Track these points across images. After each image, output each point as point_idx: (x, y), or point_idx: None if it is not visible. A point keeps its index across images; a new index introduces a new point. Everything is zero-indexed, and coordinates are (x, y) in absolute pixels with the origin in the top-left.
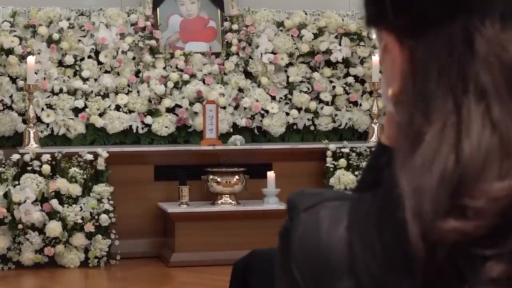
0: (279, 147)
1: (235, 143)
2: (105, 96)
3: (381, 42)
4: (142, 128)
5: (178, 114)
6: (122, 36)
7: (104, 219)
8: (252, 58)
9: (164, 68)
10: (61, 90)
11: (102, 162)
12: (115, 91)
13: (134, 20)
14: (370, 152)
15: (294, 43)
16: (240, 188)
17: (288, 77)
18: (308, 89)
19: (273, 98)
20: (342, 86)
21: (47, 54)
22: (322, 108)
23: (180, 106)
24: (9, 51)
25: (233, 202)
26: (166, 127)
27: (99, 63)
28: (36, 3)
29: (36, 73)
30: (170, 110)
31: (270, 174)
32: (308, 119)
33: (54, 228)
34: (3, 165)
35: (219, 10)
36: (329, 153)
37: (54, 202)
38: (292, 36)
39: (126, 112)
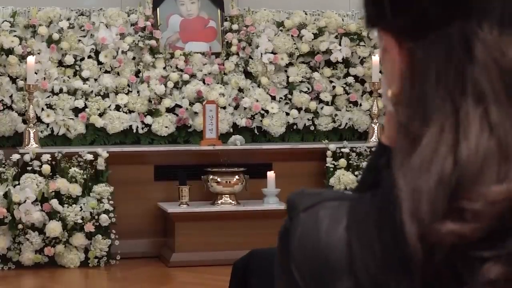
0: (279, 147)
1: (235, 143)
2: (105, 96)
3: (381, 43)
4: (142, 128)
5: (178, 114)
6: (122, 36)
7: (104, 219)
8: (252, 58)
9: (164, 68)
10: (61, 90)
11: (102, 162)
12: (115, 91)
13: (134, 20)
14: (370, 152)
15: (294, 43)
16: (240, 188)
17: (288, 77)
18: (308, 89)
19: (273, 98)
20: (342, 86)
21: (47, 54)
22: (322, 108)
23: (180, 106)
24: (9, 51)
25: (233, 202)
26: (166, 127)
27: (99, 63)
28: (36, 3)
29: (36, 73)
30: (170, 110)
31: (270, 174)
32: (308, 119)
33: (54, 228)
34: (3, 165)
35: (219, 10)
36: (329, 153)
37: (54, 202)
38: (292, 36)
39: (126, 112)
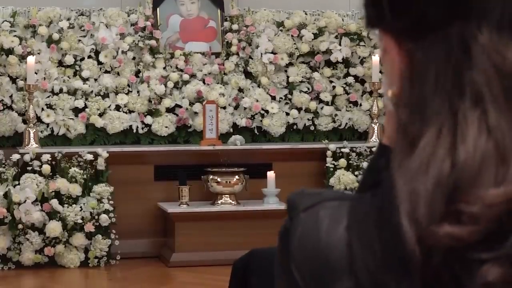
0: (279, 147)
1: (235, 143)
2: (105, 96)
3: (381, 43)
4: (142, 128)
5: (178, 114)
6: (122, 36)
7: (104, 219)
8: (252, 58)
9: (164, 68)
10: (61, 90)
11: (102, 162)
12: (115, 91)
13: (134, 20)
14: (370, 152)
15: (294, 43)
16: (240, 188)
17: (288, 77)
18: (308, 89)
19: (273, 98)
20: (342, 86)
21: (47, 54)
22: (322, 108)
23: (180, 106)
24: (9, 51)
25: (233, 202)
26: (166, 127)
27: (99, 63)
28: (36, 3)
29: (36, 73)
30: (170, 110)
31: (270, 174)
32: (308, 119)
33: (54, 228)
34: (3, 165)
35: (219, 10)
36: (329, 153)
37: (54, 202)
38: (292, 36)
39: (126, 112)
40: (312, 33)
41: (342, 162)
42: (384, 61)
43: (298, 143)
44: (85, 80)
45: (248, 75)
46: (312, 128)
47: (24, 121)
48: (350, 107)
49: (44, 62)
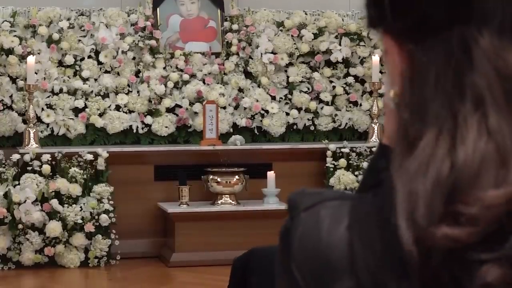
0: (279, 147)
1: (235, 143)
2: (105, 96)
3: (383, 44)
4: (142, 128)
5: (178, 114)
6: (122, 36)
7: (104, 219)
8: (252, 58)
9: (164, 68)
10: (61, 90)
11: (102, 162)
12: (115, 91)
13: (134, 20)
14: (370, 152)
15: (294, 43)
16: (240, 188)
17: (288, 77)
18: (308, 89)
19: (273, 98)
20: (342, 86)
21: (47, 54)
22: (322, 108)
23: (180, 106)
24: (9, 51)
25: (233, 202)
26: (166, 127)
27: (99, 63)
28: (36, 3)
29: (36, 73)
30: (170, 110)
31: (270, 174)
32: (308, 119)
33: (54, 228)
34: (3, 165)
35: (219, 10)
36: (329, 153)
37: (54, 202)
38: (292, 36)
39: (126, 112)
40: (312, 33)
41: (342, 162)
42: (385, 61)
43: (298, 143)
44: (85, 80)
45: (248, 75)
46: (312, 128)
47: (24, 121)
48: (350, 107)
49: (44, 62)
